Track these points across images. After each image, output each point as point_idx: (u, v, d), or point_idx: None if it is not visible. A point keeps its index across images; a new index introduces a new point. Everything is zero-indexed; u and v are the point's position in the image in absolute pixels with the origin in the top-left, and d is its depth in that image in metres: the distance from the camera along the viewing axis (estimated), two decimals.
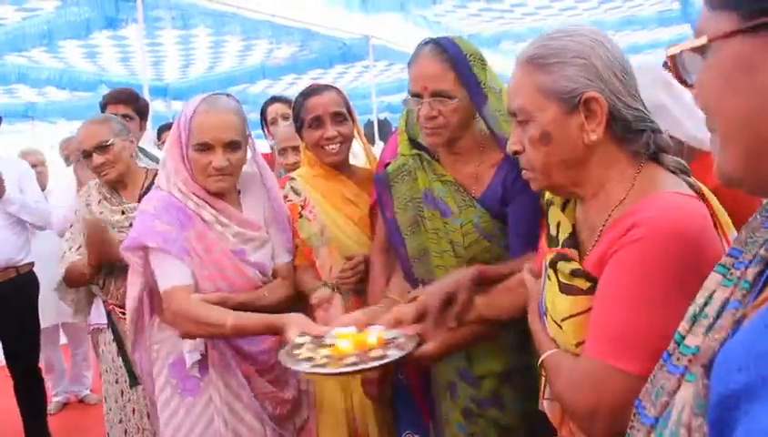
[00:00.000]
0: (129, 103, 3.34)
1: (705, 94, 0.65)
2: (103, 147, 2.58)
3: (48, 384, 4.29)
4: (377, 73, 8.39)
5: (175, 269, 1.92)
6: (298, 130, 2.30)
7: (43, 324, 4.07)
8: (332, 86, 2.32)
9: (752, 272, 0.67)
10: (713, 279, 0.74)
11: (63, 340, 5.04)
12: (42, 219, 3.90)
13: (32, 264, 3.95)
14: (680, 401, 0.65)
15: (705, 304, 0.73)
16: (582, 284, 1.13)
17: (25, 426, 3.97)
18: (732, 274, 0.71)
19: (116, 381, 2.75)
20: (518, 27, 8.10)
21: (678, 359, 0.71)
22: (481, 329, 1.58)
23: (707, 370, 0.61)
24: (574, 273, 1.14)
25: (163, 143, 4.78)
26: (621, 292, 1.05)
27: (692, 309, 0.74)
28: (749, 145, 0.61)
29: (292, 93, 2.84)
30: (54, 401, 4.81)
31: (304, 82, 8.89)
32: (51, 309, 4.29)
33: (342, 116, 2.23)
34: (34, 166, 4.44)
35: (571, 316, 1.14)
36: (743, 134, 0.61)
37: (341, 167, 2.28)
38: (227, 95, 2.06)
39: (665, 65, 1.67)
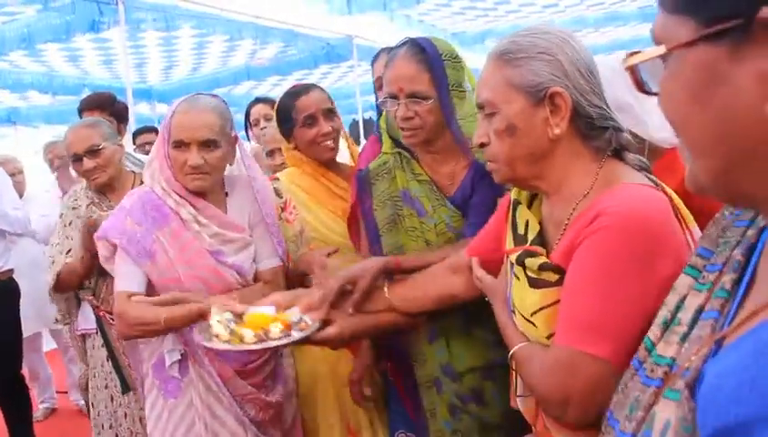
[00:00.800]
0: (105, 108, 3.31)
1: (670, 107, 0.60)
2: (93, 151, 2.57)
3: (34, 392, 4.25)
4: (361, 72, 8.38)
5: (128, 273, 1.95)
6: (288, 131, 2.31)
7: (25, 332, 4.03)
8: (316, 86, 2.38)
9: (729, 280, 0.65)
10: (684, 282, 0.71)
11: (46, 347, 5.01)
12: (21, 227, 3.87)
13: (11, 271, 3.91)
14: (660, 421, 0.62)
15: (677, 309, 0.70)
16: (551, 277, 1.15)
17: (11, 433, 3.93)
18: (704, 278, 0.69)
19: (106, 387, 2.72)
20: (502, 25, 8.12)
21: (652, 370, 0.68)
22: (395, 318, 1.67)
23: (692, 392, 0.59)
24: (542, 267, 1.16)
25: (140, 146, 4.77)
26: (588, 279, 1.06)
27: (663, 314, 0.72)
28: (721, 160, 0.57)
29: (277, 94, 2.83)
30: (41, 407, 4.78)
31: (289, 83, 8.85)
32: (33, 316, 4.26)
33: (333, 112, 2.30)
34: (11, 174, 4.39)
35: (541, 309, 1.16)
36: (715, 150, 0.56)
37: (331, 163, 2.33)
38: (213, 96, 2.05)
39: None
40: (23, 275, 3.99)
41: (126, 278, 1.95)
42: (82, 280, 2.65)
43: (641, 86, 0.64)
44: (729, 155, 0.55)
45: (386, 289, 1.67)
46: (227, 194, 2.09)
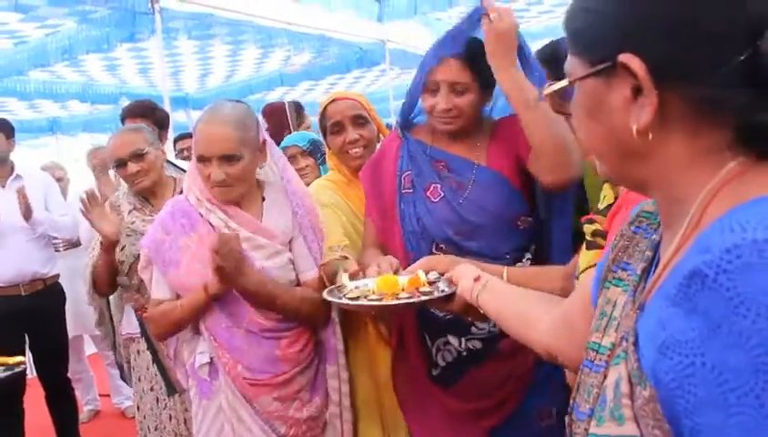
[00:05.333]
0: (147, 115, 3.37)
1: (576, 123, 0.81)
2: (138, 156, 2.62)
3: (77, 394, 4.36)
4: (394, 76, 8.41)
5: (158, 281, 2.05)
6: (325, 138, 2.37)
7: (68, 335, 4.14)
8: (351, 96, 2.39)
9: (639, 268, 0.83)
10: (614, 291, 0.86)
11: (88, 351, 5.13)
12: (70, 232, 3.98)
13: (57, 276, 4.01)
14: (611, 382, 0.74)
15: (611, 313, 0.84)
16: (602, 242, 1.26)
17: (59, 435, 4.04)
18: (628, 281, 0.85)
19: (152, 389, 2.78)
20: (534, 26, 8.07)
21: (599, 359, 0.81)
22: None
23: (636, 347, 0.71)
24: (595, 233, 1.31)
25: (180, 152, 4.85)
26: None
27: (603, 322, 0.84)
28: (613, 160, 0.78)
29: (309, 99, 2.87)
30: (85, 409, 4.89)
31: (321, 88, 8.95)
32: (74, 320, 4.36)
33: (362, 119, 2.28)
34: (58, 179, 4.52)
35: (588, 268, 1.28)
36: (608, 153, 0.77)
37: None
38: (238, 103, 2.04)
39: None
40: (65, 280, 4.10)
41: (157, 286, 2.06)
42: (110, 279, 2.71)
43: (557, 110, 0.91)
44: (616, 155, 0.76)
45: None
46: (263, 199, 2.08)
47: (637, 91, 0.69)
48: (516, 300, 1.29)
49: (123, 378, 3.29)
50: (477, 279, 1.38)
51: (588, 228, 1.36)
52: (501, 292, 1.33)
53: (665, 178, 0.73)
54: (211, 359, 2.03)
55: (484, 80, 1.85)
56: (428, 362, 2.00)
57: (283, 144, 2.89)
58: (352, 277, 1.70)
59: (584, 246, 1.38)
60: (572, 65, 0.78)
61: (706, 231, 0.64)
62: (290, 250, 2.07)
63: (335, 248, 2.09)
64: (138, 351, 2.84)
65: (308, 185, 2.37)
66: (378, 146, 2.26)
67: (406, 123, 2.07)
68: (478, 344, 1.94)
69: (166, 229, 2.02)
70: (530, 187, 1.93)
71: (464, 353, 1.95)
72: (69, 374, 4.13)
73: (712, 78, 0.66)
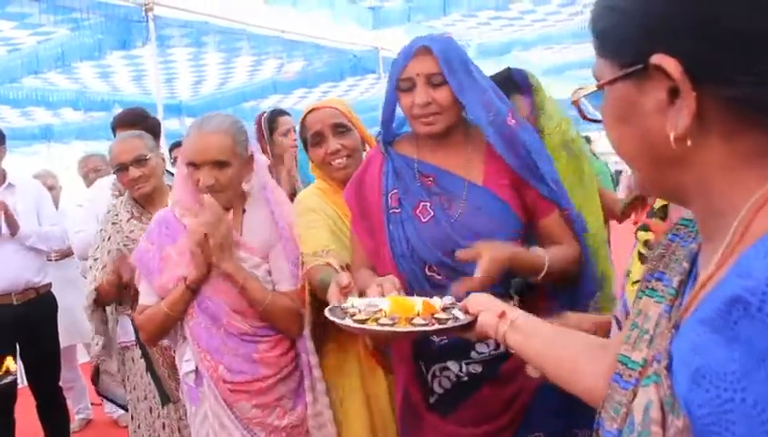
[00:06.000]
0: (138, 123, 3.34)
1: (607, 129, 0.76)
2: (140, 161, 2.65)
3: (69, 402, 4.33)
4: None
5: (145, 289, 2.12)
6: (306, 150, 2.27)
7: (61, 345, 4.11)
8: (333, 101, 2.29)
9: (675, 281, 0.78)
10: (647, 302, 0.81)
11: (81, 359, 5.09)
12: (58, 243, 3.95)
13: (50, 285, 3.99)
14: (640, 404, 0.70)
15: (644, 325, 0.80)
16: None
17: None
18: (662, 292, 0.80)
19: (145, 398, 2.76)
20: (528, 35, 8.10)
21: (629, 375, 0.77)
22: None
23: (670, 371, 0.67)
24: (647, 244, 1.22)
25: (175, 160, 4.83)
26: None
27: (634, 334, 0.80)
28: (648, 169, 0.73)
29: (302, 106, 2.87)
30: (77, 418, 4.86)
31: (315, 95, 8.96)
32: (68, 329, 4.33)
33: (343, 127, 2.18)
34: (50, 188, 4.49)
35: (638, 281, 1.15)
36: (642, 161, 0.73)
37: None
38: (228, 116, 2.09)
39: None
40: (57, 289, 4.07)
41: (144, 294, 2.13)
42: (119, 295, 2.70)
43: (584, 115, 0.80)
44: (652, 163, 0.71)
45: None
46: (244, 211, 2.10)
47: (673, 93, 0.65)
48: (555, 345, 1.13)
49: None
50: (501, 316, 1.23)
51: (641, 236, 1.25)
52: (535, 334, 1.17)
53: (704, 188, 0.68)
54: (196, 366, 2.07)
55: (456, 77, 1.75)
56: (424, 390, 1.89)
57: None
58: (344, 293, 1.58)
59: (635, 254, 1.29)
60: (600, 68, 0.74)
61: (748, 252, 0.60)
62: (268, 261, 2.10)
63: (319, 254, 2.02)
64: (133, 359, 2.83)
65: None
66: (364, 156, 2.18)
67: (388, 136, 1.94)
68: (478, 367, 1.83)
69: (150, 239, 2.10)
70: (522, 202, 1.84)
71: (464, 378, 1.84)
72: (61, 383, 4.10)
73: (750, 77, 0.62)
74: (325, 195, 2.22)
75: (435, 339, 1.82)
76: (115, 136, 3.27)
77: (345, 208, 2.09)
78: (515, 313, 1.23)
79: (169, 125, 9.22)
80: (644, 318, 0.80)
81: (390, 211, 1.87)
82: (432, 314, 1.36)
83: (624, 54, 0.69)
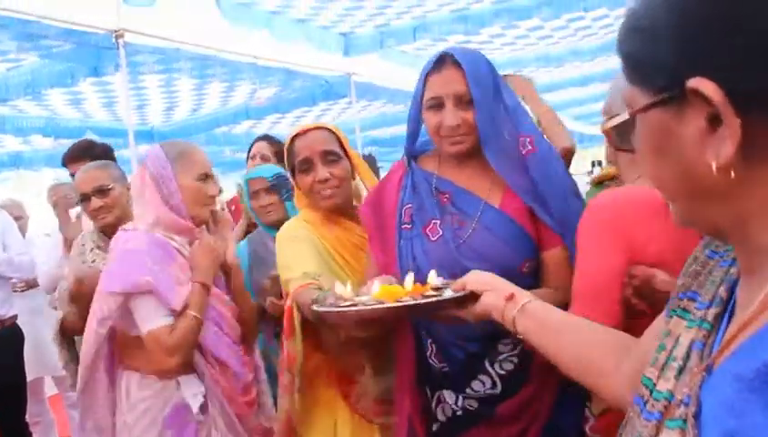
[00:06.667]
0: (85, 157, 3.37)
1: (641, 159, 0.70)
2: (102, 191, 2.63)
3: None
4: (360, 108, 8.45)
5: (155, 309, 2.02)
6: (293, 177, 2.16)
7: (27, 377, 4.02)
8: (323, 126, 2.14)
9: (711, 313, 0.72)
10: (678, 323, 0.76)
11: (49, 392, 4.99)
12: (27, 272, 3.89)
13: (15, 317, 3.91)
14: None
15: (673, 348, 0.74)
16: None
17: None
18: (694, 315, 0.74)
19: None
20: (498, 58, 8.22)
21: (652, 405, 0.72)
22: None
23: (697, 419, 0.63)
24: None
25: None
26: None
27: (661, 357, 0.75)
28: (686, 201, 0.68)
29: (275, 132, 2.86)
30: None
31: (288, 121, 8.97)
32: (35, 362, 4.24)
33: (334, 155, 2.05)
34: (16, 218, 4.42)
35: None
36: (679, 193, 0.68)
37: (343, 210, 2.10)
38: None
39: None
40: (24, 321, 4.00)
41: (156, 316, 2.03)
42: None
43: (616, 146, 0.77)
44: (690, 196, 0.66)
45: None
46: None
47: (714, 121, 0.59)
48: (572, 337, 1.06)
49: None
50: (510, 299, 1.15)
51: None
52: (549, 322, 1.10)
53: (748, 224, 0.63)
54: (204, 397, 2.10)
55: (483, 98, 1.69)
56: (428, 418, 1.84)
57: (248, 175, 2.85)
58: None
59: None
60: (631, 94, 0.67)
61: None
62: None
63: (309, 275, 1.93)
64: None
65: (273, 223, 2.37)
66: (355, 183, 2.13)
67: (412, 150, 1.89)
68: (474, 404, 1.78)
69: (154, 260, 2.07)
70: (536, 223, 1.77)
71: (459, 412, 1.79)
72: (28, 417, 4.01)
73: None
74: (312, 227, 2.11)
75: (435, 363, 1.79)
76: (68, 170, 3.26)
77: (333, 241, 2.06)
78: (525, 296, 1.15)
79: (142, 151, 9.17)
80: (674, 341, 0.74)
81: (402, 226, 1.83)
82: (423, 294, 1.31)
83: (657, 78, 0.63)
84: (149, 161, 2.14)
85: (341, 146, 2.10)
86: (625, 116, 0.69)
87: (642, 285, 1.39)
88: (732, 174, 0.59)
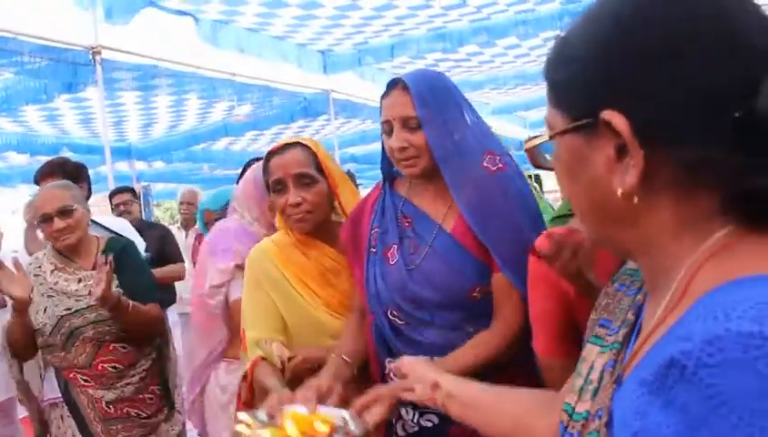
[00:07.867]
0: (56, 173, 3.28)
1: (558, 179, 0.75)
2: (65, 212, 2.53)
3: None
4: (338, 125, 8.49)
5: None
6: (268, 194, 2.05)
7: None
8: (301, 142, 2.01)
9: (621, 334, 0.77)
10: (591, 349, 0.81)
11: (22, 413, 4.90)
12: None
13: None
14: None
15: (588, 373, 0.79)
16: None
17: None
18: (606, 341, 0.80)
19: None
20: (476, 76, 8.30)
21: (572, 427, 0.77)
22: None
23: (609, 428, 0.67)
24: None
25: (116, 207, 4.77)
26: None
27: (576, 382, 0.80)
28: (596, 224, 0.72)
29: (254, 149, 2.86)
30: None
31: (266, 138, 8.98)
32: (6, 381, 4.16)
33: (308, 178, 1.93)
34: None
35: None
36: (590, 216, 0.72)
37: (319, 232, 1.99)
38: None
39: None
40: None
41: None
42: (27, 341, 2.53)
43: (535, 163, 0.81)
44: (600, 218, 0.71)
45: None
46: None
47: (621, 150, 0.64)
48: (499, 409, 1.10)
49: None
50: (435, 387, 1.19)
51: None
52: (475, 401, 1.14)
53: (651, 246, 0.68)
54: None
55: (433, 120, 1.66)
56: (388, 433, 1.79)
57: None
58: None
59: None
60: (553, 117, 0.72)
61: (688, 314, 0.59)
62: None
63: (262, 344, 1.90)
64: (62, 417, 2.60)
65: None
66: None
67: (388, 172, 1.87)
68: (435, 419, 1.72)
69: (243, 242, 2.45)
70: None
71: (415, 429, 1.75)
72: None
73: (703, 139, 0.61)
74: (280, 252, 2.02)
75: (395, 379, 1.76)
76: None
77: (300, 268, 2.00)
78: (448, 382, 1.19)
79: (119, 167, 9.11)
80: (589, 367, 0.79)
81: (371, 249, 1.82)
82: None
83: (576, 106, 0.68)
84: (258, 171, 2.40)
85: (318, 166, 1.98)
86: (545, 137, 0.74)
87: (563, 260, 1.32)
88: (636, 200, 0.64)
